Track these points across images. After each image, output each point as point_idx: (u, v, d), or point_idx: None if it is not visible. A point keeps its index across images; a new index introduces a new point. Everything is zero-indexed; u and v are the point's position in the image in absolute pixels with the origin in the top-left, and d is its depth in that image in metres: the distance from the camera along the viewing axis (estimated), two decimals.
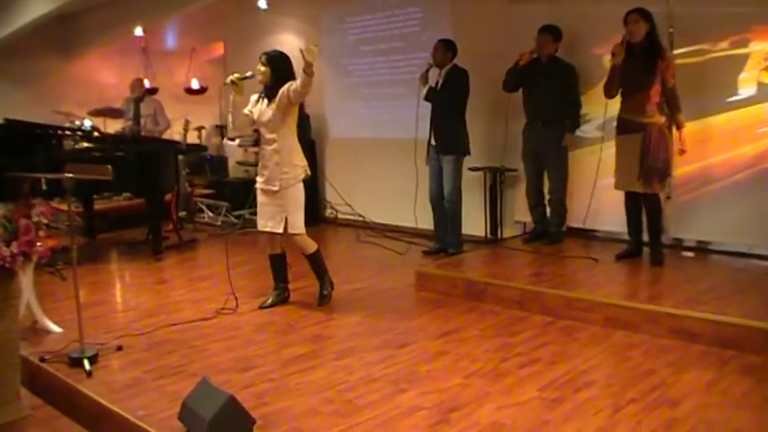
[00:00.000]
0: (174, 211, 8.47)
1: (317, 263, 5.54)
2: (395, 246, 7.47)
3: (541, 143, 6.49)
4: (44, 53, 10.72)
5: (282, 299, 5.56)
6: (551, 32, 6.39)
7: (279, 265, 5.55)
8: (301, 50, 4.81)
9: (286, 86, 5.12)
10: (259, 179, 5.36)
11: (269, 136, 5.26)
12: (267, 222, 5.31)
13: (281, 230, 5.27)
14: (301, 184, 5.30)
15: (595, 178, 6.26)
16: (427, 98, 6.73)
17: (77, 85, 11.02)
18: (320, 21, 9.15)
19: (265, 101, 5.27)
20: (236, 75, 5.20)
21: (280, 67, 5.20)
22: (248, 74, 5.25)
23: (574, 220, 6.79)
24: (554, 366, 4.10)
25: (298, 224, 5.28)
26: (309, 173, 5.40)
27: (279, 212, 5.24)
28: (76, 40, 10.93)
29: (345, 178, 8.94)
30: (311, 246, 5.46)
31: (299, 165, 5.29)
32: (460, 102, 6.65)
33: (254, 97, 5.37)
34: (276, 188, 5.21)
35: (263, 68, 5.22)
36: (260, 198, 5.36)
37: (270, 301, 5.52)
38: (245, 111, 5.33)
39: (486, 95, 6.93)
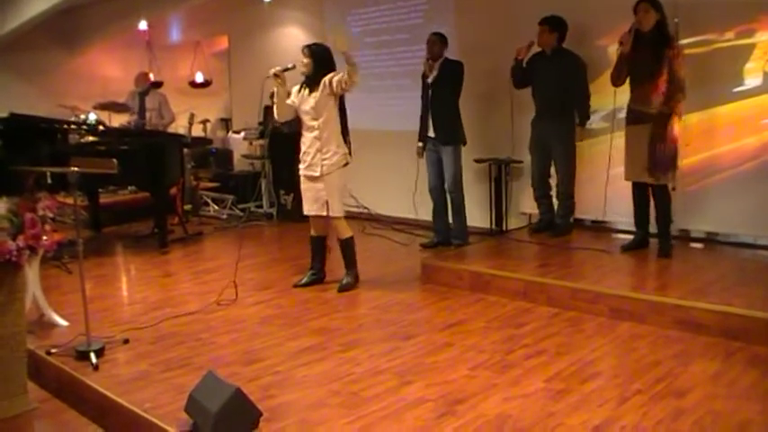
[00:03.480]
0: (179, 204, 8.48)
1: (349, 250, 5.73)
2: (400, 238, 7.47)
3: (550, 135, 6.46)
4: (49, 47, 10.75)
5: (317, 279, 5.80)
6: (549, 24, 6.36)
7: (318, 247, 5.80)
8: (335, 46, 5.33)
9: (329, 76, 5.40)
10: (301, 165, 5.62)
11: (310, 123, 5.51)
12: (312, 206, 5.58)
13: (324, 213, 5.52)
14: (342, 170, 5.55)
15: (604, 169, 6.24)
16: (431, 87, 6.67)
17: (82, 78, 11.04)
18: (324, 13, 9.13)
19: (307, 90, 5.53)
20: (278, 67, 5.48)
21: (321, 58, 5.49)
22: (290, 65, 5.54)
23: (580, 212, 6.77)
24: (560, 358, 4.10)
25: (337, 208, 5.55)
26: (350, 160, 5.64)
27: (321, 197, 5.50)
28: (81, 34, 10.94)
29: (350, 170, 8.92)
30: (347, 231, 5.70)
31: (339, 152, 5.53)
32: (457, 92, 6.63)
33: (295, 88, 5.62)
34: (317, 174, 5.48)
35: (305, 60, 5.49)
36: (303, 184, 5.62)
37: (305, 280, 5.78)
38: (288, 101, 5.59)
39: (490, 87, 6.90)
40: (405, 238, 7.46)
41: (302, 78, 5.59)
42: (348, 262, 5.73)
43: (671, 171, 5.57)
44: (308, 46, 5.56)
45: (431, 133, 6.72)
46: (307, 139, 5.55)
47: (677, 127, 5.51)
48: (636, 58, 5.53)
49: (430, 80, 6.66)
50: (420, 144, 6.84)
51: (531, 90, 6.61)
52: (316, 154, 5.47)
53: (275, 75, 5.45)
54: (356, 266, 5.75)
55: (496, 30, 7.08)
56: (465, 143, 6.72)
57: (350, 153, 5.64)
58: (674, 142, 5.51)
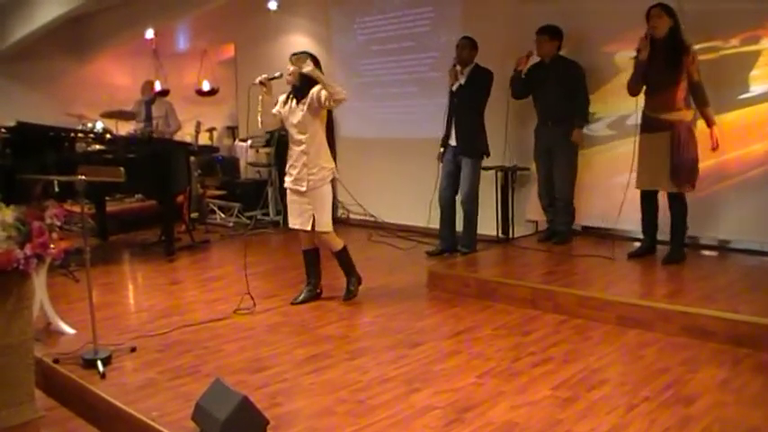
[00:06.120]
0: (186, 212, 8.51)
1: (343, 260, 5.62)
2: (407, 246, 7.47)
3: (552, 143, 6.48)
4: (56, 55, 10.80)
5: (314, 295, 5.64)
6: (547, 33, 6.39)
7: (311, 261, 5.64)
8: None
9: (317, 89, 5.18)
10: (287, 178, 5.46)
11: (298, 137, 5.34)
12: (296, 220, 5.43)
13: (309, 228, 5.38)
14: (329, 185, 5.41)
15: (610, 177, 6.24)
16: (456, 95, 6.64)
17: (89, 87, 11.09)
18: (331, 21, 9.17)
19: (294, 101, 5.35)
20: (264, 75, 5.28)
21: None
22: (277, 74, 5.32)
23: (586, 219, 6.76)
24: (567, 365, 4.09)
25: (324, 222, 5.39)
26: (337, 175, 5.55)
27: (307, 210, 5.35)
28: (88, 43, 11.00)
29: (356, 178, 8.91)
30: (338, 244, 5.55)
31: (326, 167, 5.38)
32: (483, 102, 6.60)
33: (282, 97, 5.44)
34: (304, 188, 5.32)
35: (292, 68, 5.27)
36: (289, 196, 5.48)
37: (301, 297, 5.61)
38: (274, 111, 5.41)
39: (497, 95, 6.90)
40: (411, 246, 7.45)
41: (288, 88, 5.41)
42: (347, 271, 5.64)
43: (694, 178, 5.54)
44: (296, 54, 5.34)
45: (452, 142, 6.69)
46: (294, 153, 5.37)
47: (696, 133, 5.50)
48: (651, 65, 5.49)
49: (454, 88, 6.62)
50: (441, 150, 6.81)
51: (532, 100, 6.62)
52: (302, 169, 5.30)
53: (261, 83, 5.25)
54: (356, 271, 5.66)
55: (503, 38, 7.09)
56: (488, 155, 6.70)
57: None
58: (696, 148, 5.49)
